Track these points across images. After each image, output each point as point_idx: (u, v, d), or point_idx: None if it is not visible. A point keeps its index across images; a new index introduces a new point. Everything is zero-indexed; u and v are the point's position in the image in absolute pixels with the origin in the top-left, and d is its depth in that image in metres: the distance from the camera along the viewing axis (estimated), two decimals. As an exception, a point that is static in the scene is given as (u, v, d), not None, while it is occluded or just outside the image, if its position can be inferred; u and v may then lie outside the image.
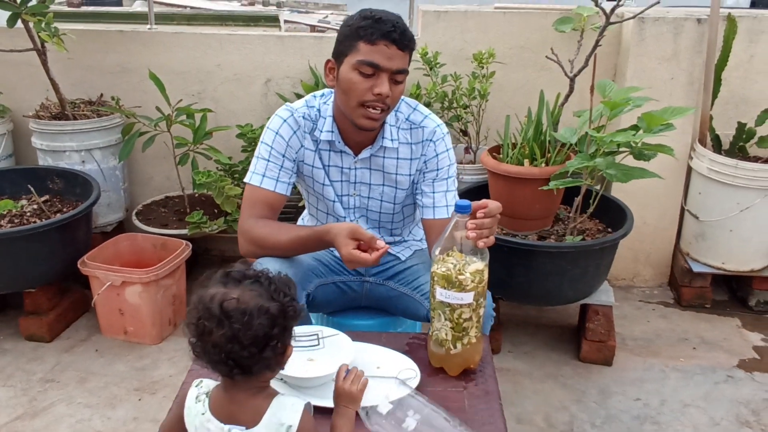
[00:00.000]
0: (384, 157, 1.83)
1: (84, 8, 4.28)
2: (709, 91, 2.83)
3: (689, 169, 2.93)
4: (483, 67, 2.79)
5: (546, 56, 2.58)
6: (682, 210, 3.00)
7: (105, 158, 2.95)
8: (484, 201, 1.47)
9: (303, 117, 1.80)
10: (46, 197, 2.87)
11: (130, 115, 2.90)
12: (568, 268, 2.32)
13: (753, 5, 4.97)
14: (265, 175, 1.79)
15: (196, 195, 3.14)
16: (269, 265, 1.73)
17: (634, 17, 2.65)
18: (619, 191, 2.87)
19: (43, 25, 2.53)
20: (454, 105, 2.82)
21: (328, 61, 1.75)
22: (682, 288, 2.96)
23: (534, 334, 2.76)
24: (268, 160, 1.80)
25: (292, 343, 1.19)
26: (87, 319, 2.81)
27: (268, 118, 1.82)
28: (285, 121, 1.80)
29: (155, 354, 2.60)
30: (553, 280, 2.35)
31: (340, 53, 1.70)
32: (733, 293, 3.05)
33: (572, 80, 2.60)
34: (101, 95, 3.12)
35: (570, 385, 2.45)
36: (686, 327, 2.82)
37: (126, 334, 2.67)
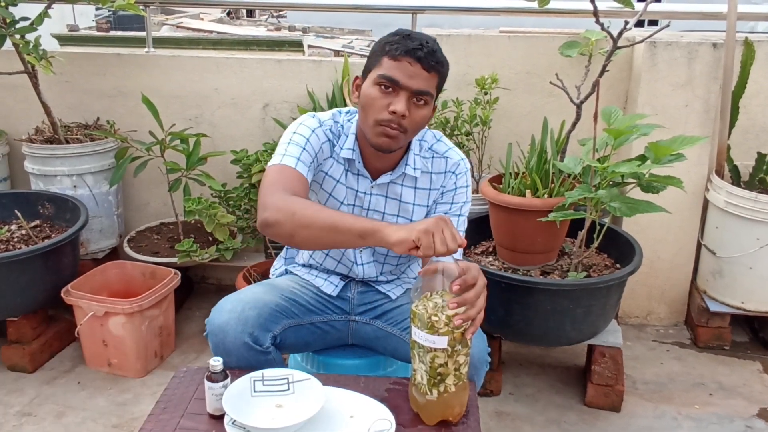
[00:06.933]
0: (403, 185, 1.72)
1: (113, 33, 4.31)
2: (726, 120, 2.67)
3: (706, 202, 2.76)
4: (486, 93, 2.67)
5: (550, 82, 2.45)
6: (699, 245, 2.83)
7: (97, 183, 2.88)
8: (463, 265, 1.36)
9: (330, 130, 1.69)
10: (37, 222, 2.80)
11: (122, 139, 2.83)
12: (570, 307, 2.16)
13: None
14: (300, 159, 1.59)
15: (192, 222, 3.05)
16: (229, 305, 1.61)
17: (643, 41, 2.51)
18: (632, 225, 2.71)
19: (30, 47, 2.47)
20: (456, 132, 2.71)
21: (356, 77, 1.66)
22: (699, 328, 2.77)
23: (538, 375, 2.59)
24: (304, 148, 1.60)
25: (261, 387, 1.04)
26: (73, 349, 2.71)
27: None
28: (321, 124, 1.67)
29: (138, 388, 2.49)
30: (554, 319, 2.19)
31: (366, 69, 1.62)
32: (754, 334, 2.85)
33: (579, 107, 2.46)
34: (97, 119, 3.06)
35: (573, 432, 2.28)
36: (702, 371, 2.63)
37: (110, 366, 2.57)
